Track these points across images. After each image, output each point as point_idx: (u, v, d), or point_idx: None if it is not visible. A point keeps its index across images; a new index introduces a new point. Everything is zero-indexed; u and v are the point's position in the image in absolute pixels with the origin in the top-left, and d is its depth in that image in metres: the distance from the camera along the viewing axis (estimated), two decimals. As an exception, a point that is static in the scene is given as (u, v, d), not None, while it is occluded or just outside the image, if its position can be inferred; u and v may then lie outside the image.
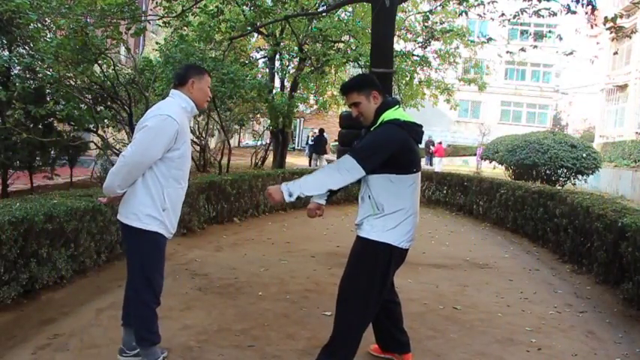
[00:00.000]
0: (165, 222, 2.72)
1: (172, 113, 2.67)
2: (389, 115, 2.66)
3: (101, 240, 4.64)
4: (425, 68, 14.74)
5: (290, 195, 2.49)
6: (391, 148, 2.58)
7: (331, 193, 2.87)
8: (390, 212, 2.63)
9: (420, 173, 2.76)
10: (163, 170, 2.68)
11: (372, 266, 2.66)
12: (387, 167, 2.61)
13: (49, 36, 7.20)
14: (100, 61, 7.08)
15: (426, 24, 11.53)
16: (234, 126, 16.14)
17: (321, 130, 18.33)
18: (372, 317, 2.79)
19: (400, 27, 13.17)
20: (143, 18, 7.37)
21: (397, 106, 2.72)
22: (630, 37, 9.91)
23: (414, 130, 2.70)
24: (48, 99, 7.65)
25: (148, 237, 2.70)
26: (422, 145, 22.00)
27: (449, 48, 15.18)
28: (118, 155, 7.68)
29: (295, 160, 19.61)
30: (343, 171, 2.53)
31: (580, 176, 14.03)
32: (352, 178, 2.54)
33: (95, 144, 8.30)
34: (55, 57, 6.54)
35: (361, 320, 2.71)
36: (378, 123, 2.67)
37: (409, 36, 13.93)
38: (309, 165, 17.10)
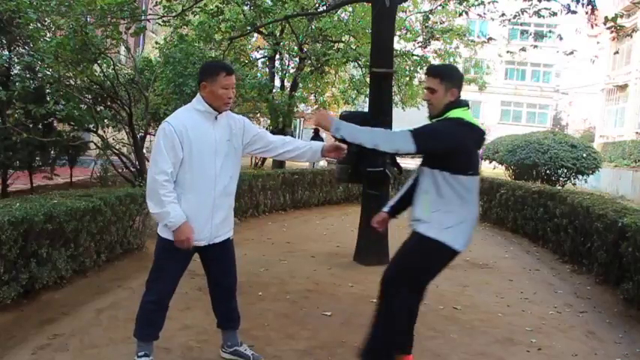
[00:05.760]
0: None
1: (171, 118, 2.71)
2: (455, 113, 2.64)
3: (101, 240, 4.63)
4: (425, 68, 14.72)
5: (337, 129, 2.53)
6: (448, 142, 2.56)
7: (398, 208, 2.89)
8: (446, 211, 2.60)
9: (478, 177, 2.72)
10: (179, 175, 2.67)
11: (426, 263, 2.66)
12: (443, 164, 2.59)
13: (48, 36, 7.19)
14: (99, 61, 7.06)
15: (426, 24, 11.53)
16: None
17: (316, 130, 18.36)
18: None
19: (400, 27, 13.15)
20: (143, 17, 7.37)
21: (466, 108, 2.69)
22: (631, 36, 9.91)
23: (476, 133, 2.68)
24: (48, 99, 7.63)
25: (160, 240, 2.77)
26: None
27: (449, 48, 15.18)
28: (118, 155, 7.70)
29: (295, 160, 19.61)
30: (394, 135, 2.56)
31: (580, 176, 14.03)
32: (401, 145, 2.54)
33: (95, 144, 8.28)
34: (55, 57, 6.53)
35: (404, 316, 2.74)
36: (441, 118, 2.66)
37: (409, 36, 13.92)
38: (309, 165, 17.09)
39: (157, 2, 7.63)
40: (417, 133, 2.54)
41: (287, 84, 14.56)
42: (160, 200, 2.60)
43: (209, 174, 2.71)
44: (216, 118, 2.75)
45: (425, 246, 2.63)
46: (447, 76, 2.70)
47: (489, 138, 24.40)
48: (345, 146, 2.88)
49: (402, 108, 16.18)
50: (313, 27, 12.30)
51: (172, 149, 2.62)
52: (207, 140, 2.69)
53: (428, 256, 2.65)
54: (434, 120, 2.71)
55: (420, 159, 2.80)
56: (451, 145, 2.57)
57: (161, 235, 2.75)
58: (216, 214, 2.77)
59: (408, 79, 14.75)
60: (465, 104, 2.70)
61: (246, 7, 9.54)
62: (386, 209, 2.96)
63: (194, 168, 2.67)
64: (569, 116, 38.97)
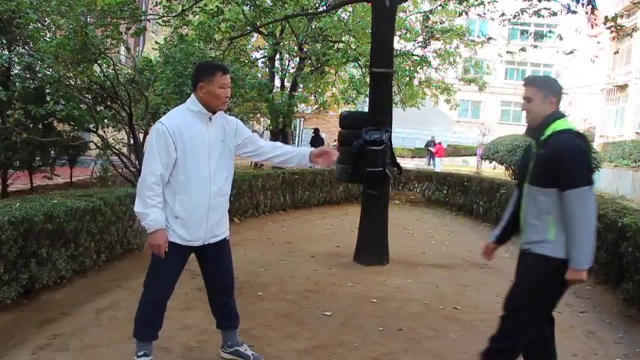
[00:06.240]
0: (176, 230, 2.71)
1: (164, 118, 2.72)
2: (561, 124, 2.54)
3: (101, 240, 4.64)
4: (425, 68, 14.75)
5: (587, 265, 2.41)
6: (590, 161, 2.51)
7: (506, 235, 2.80)
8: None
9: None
10: (173, 176, 2.69)
11: (554, 285, 2.53)
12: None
13: (48, 36, 7.19)
14: (99, 61, 7.06)
15: (426, 24, 11.55)
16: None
17: (316, 130, 18.37)
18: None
19: (400, 27, 13.16)
20: (143, 17, 7.37)
21: (565, 118, 2.61)
22: (631, 36, 9.91)
23: (587, 143, 2.59)
24: (48, 99, 7.63)
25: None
26: (423, 145, 21.83)
27: (449, 48, 15.19)
28: (118, 155, 7.70)
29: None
30: (589, 201, 2.42)
31: (580, 176, 14.01)
32: (592, 206, 2.43)
33: (95, 144, 8.27)
34: (55, 57, 6.52)
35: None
36: (548, 132, 2.54)
37: (409, 36, 13.93)
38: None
39: (157, 2, 7.64)
40: (586, 179, 2.43)
41: (287, 84, 14.57)
42: (144, 201, 2.63)
43: (203, 175, 2.71)
44: (210, 119, 2.76)
45: (552, 267, 2.51)
46: (543, 84, 2.63)
47: (489, 138, 24.51)
48: (335, 152, 2.90)
49: (402, 108, 16.19)
50: (313, 27, 12.32)
51: (165, 150, 2.63)
52: (200, 141, 2.71)
53: (555, 277, 2.50)
54: (542, 137, 2.55)
55: (521, 177, 2.69)
56: (591, 162, 2.51)
57: None
58: (211, 215, 2.77)
59: (408, 79, 14.77)
60: (563, 115, 2.60)
61: (246, 7, 9.55)
62: (492, 239, 2.85)
63: (188, 169, 2.68)
64: (569, 116, 38.88)
